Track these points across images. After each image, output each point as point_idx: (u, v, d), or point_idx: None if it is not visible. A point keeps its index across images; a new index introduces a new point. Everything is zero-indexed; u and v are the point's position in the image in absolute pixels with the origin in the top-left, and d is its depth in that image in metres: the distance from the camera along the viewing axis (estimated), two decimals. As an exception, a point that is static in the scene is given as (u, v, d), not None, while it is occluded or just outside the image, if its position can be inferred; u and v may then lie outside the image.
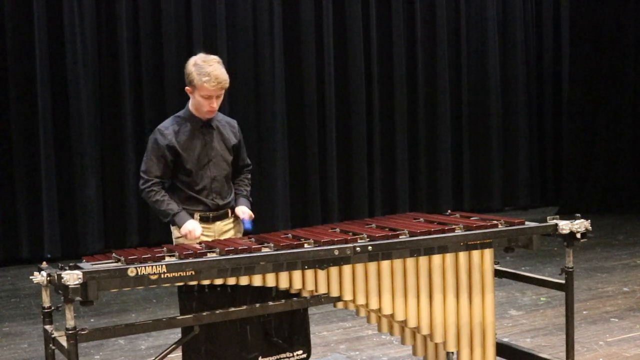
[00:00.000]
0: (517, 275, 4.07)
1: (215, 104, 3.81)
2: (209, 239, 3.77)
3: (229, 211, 3.99)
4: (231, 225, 4.01)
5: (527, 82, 11.04)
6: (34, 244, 7.97)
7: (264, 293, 3.46)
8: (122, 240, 8.32)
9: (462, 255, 3.54)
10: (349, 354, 4.78)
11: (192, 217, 3.86)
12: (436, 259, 3.49)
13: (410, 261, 3.45)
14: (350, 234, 3.47)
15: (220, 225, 3.95)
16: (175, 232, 3.90)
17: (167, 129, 3.86)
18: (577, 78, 10.65)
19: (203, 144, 3.87)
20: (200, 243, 3.45)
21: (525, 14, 11.00)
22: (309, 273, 3.29)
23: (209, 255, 3.17)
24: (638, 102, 10.49)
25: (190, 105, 3.88)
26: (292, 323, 3.74)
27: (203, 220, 3.88)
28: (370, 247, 3.32)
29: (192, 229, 3.75)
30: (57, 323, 3.22)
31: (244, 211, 3.97)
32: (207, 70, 3.71)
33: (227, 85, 3.79)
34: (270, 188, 8.98)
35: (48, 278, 2.96)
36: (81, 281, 2.86)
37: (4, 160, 7.87)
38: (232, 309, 3.29)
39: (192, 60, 3.79)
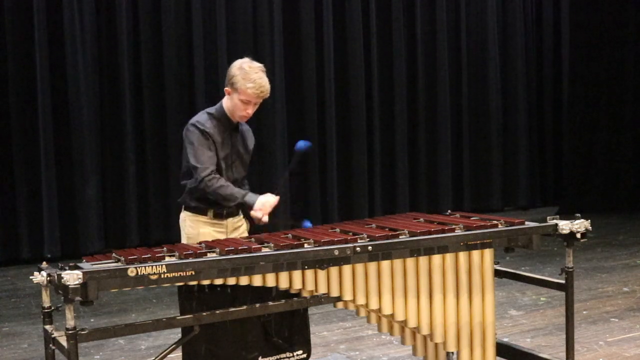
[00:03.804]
0: (517, 275, 4.07)
1: (251, 110, 3.84)
2: (222, 236, 3.83)
3: (239, 208, 4.01)
4: (242, 222, 4.06)
5: (527, 82, 11.05)
6: (34, 244, 7.96)
7: (264, 293, 3.46)
8: (122, 240, 8.32)
9: (462, 255, 3.54)
10: (349, 354, 4.78)
11: (206, 214, 3.88)
12: (436, 259, 3.49)
13: (410, 261, 3.45)
14: (350, 234, 3.47)
15: (232, 221, 3.98)
16: (188, 230, 3.91)
17: (206, 123, 3.84)
18: (577, 78, 10.65)
19: (230, 146, 3.91)
20: (200, 243, 3.46)
21: (525, 14, 11.01)
22: (309, 273, 3.29)
23: (209, 255, 3.17)
24: (638, 102, 10.49)
25: (225, 105, 3.89)
26: (292, 323, 3.74)
27: (217, 216, 3.91)
28: (370, 247, 3.32)
29: (265, 200, 3.78)
30: (57, 323, 3.22)
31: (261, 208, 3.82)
32: (253, 77, 3.74)
33: (268, 95, 3.84)
34: (270, 188, 8.93)
35: (48, 278, 2.96)
36: (81, 281, 2.86)
37: (4, 160, 7.87)
38: (232, 309, 3.29)
39: (238, 63, 3.81)
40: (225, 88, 3.84)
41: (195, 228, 3.92)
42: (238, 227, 4.02)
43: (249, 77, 3.74)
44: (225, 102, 3.88)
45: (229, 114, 3.87)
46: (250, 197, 3.81)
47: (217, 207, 3.89)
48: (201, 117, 3.90)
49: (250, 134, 4.10)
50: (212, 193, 3.78)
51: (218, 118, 3.88)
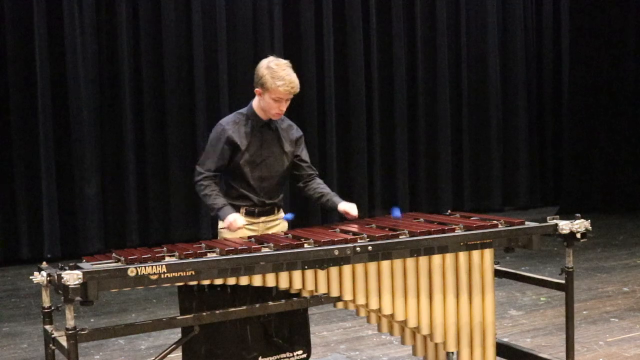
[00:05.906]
0: (517, 275, 4.07)
1: (284, 107, 3.88)
2: (255, 234, 3.81)
3: (276, 208, 4.04)
4: (277, 222, 4.05)
5: (527, 82, 11.04)
6: (34, 244, 7.96)
7: (264, 293, 3.46)
8: (122, 240, 8.31)
9: (462, 255, 3.55)
10: (349, 354, 4.78)
11: (238, 210, 3.91)
12: (436, 259, 3.49)
13: (410, 261, 3.45)
14: (350, 234, 3.47)
15: (266, 220, 3.99)
16: (220, 222, 3.95)
17: (228, 124, 3.93)
18: (577, 78, 10.65)
19: (259, 144, 3.93)
20: (200, 243, 3.46)
21: (525, 14, 11.00)
22: (309, 273, 3.29)
23: (209, 255, 3.17)
24: (638, 102, 10.48)
25: (255, 104, 3.93)
26: (292, 323, 3.74)
27: (249, 214, 3.94)
28: (370, 247, 3.32)
29: (233, 219, 3.79)
30: (57, 323, 3.22)
31: (352, 206, 3.98)
32: (282, 75, 3.78)
33: (298, 90, 3.86)
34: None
35: (48, 278, 2.96)
36: (81, 281, 2.86)
37: (4, 160, 7.87)
38: (232, 309, 3.29)
39: (265, 63, 3.85)
40: (256, 89, 3.88)
41: None
42: (272, 227, 4.01)
43: (278, 75, 3.78)
44: (256, 101, 3.94)
45: (260, 113, 3.93)
46: (224, 211, 3.83)
47: (249, 204, 3.93)
48: (228, 118, 4.01)
49: (293, 131, 4.07)
50: (200, 197, 3.93)
51: (247, 116, 3.95)
